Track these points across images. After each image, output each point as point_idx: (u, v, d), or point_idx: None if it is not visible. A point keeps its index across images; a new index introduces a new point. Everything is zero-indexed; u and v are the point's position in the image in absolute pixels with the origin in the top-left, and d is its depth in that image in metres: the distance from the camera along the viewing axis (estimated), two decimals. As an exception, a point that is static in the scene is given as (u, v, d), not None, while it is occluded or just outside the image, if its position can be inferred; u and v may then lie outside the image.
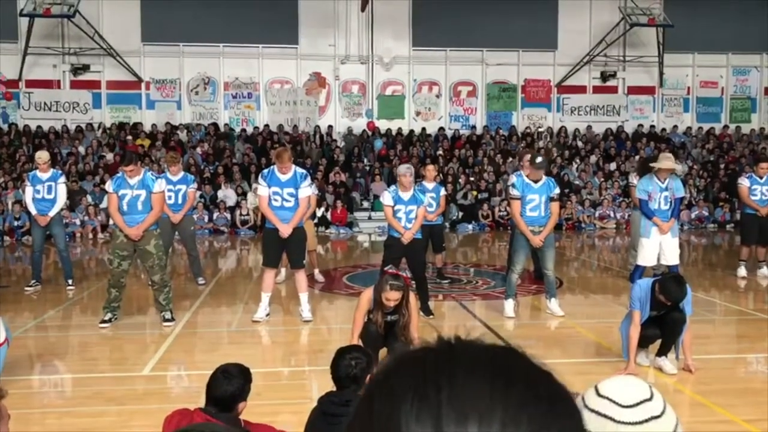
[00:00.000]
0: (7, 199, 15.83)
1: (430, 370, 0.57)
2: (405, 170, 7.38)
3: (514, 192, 7.37)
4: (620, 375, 1.24)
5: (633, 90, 21.71)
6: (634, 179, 9.77)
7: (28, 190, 8.85)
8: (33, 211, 8.81)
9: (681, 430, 1.17)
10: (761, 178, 9.66)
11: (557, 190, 7.44)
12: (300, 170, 7.10)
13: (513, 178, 7.79)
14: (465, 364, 0.57)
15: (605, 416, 1.12)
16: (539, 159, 7.36)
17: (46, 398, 5.08)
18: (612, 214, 17.59)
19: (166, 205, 7.78)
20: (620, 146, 20.53)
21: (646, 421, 1.12)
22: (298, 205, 6.93)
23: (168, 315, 6.97)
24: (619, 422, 1.12)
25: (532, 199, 7.23)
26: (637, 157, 17.71)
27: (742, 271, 9.88)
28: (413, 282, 6.49)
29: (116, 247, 6.93)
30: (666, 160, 8.12)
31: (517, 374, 0.58)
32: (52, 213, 8.74)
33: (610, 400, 1.14)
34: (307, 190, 7.19)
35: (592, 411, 1.13)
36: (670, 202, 8.06)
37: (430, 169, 9.35)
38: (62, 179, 8.96)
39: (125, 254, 6.89)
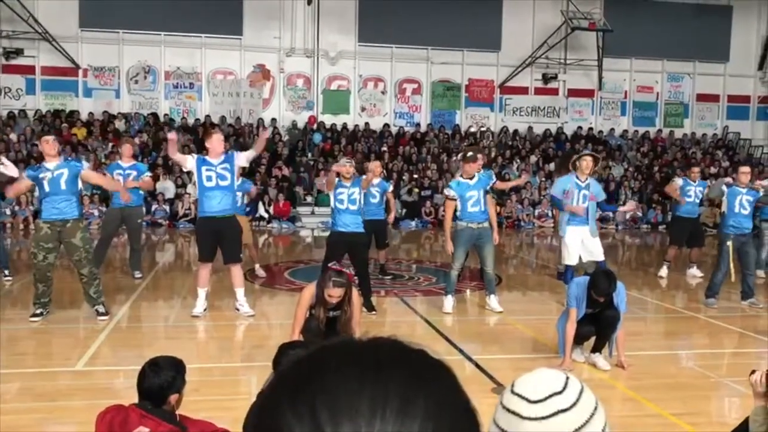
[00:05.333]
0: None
1: (304, 373, 0.61)
2: (345, 162, 7.38)
3: (449, 193, 7.47)
4: (538, 369, 1.15)
5: (573, 93, 22.22)
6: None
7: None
8: (-46, 200, 8.42)
9: (599, 423, 1.07)
10: (694, 181, 10.11)
11: (492, 180, 7.61)
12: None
13: (450, 184, 7.86)
14: (333, 361, 0.61)
15: (513, 413, 1.06)
16: (470, 153, 7.51)
17: (-29, 394, 4.87)
18: (550, 213, 17.98)
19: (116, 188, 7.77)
20: (559, 147, 20.99)
21: (552, 415, 1.05)
22: (234, 181, 6.84)
23: (101, 309, 6.75)
24: (525, 418, 1.05)
25: (471, 195, 7.32)
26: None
27: (663, 271, 10.22)
28: (356, 278, 6.48)
29: (40, 239, 6.59)
30: (586, 155, 8.06)
31: (382, 358, 0.61)
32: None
33: (520, 396, 1.07)
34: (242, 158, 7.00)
35: (504, 408, 1.08)
36: (589, 201, 7.93)
37: (376, 165, 9.34)
38: (-10, 168, 8.58)
39: (50, 246, 6.58)
